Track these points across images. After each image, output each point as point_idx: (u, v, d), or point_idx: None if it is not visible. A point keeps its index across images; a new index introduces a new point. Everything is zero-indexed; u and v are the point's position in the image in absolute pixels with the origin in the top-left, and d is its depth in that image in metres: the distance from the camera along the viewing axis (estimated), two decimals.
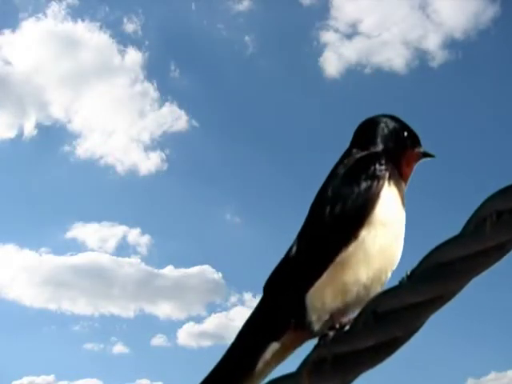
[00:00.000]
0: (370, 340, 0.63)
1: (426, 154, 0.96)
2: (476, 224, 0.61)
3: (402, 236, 0.82)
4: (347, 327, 0.65)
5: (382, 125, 0.92)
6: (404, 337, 0.63)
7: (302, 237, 0.79)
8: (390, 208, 0.82)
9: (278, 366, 0.75)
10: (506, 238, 0.60)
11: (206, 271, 9.50)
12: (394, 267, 0.80)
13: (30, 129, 9.65)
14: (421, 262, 0.63)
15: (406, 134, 0.93)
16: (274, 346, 0.74)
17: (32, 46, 9.99)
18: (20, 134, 9.54)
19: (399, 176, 0.87)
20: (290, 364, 0.64)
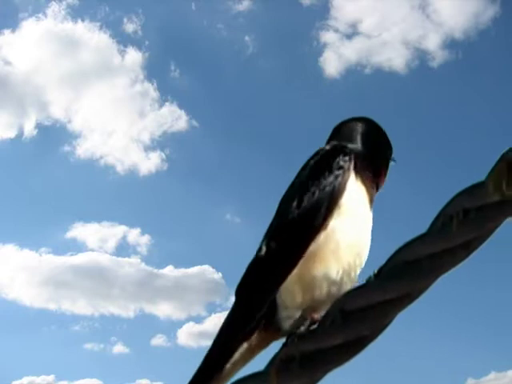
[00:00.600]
0: (338, 338, 0.62)
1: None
2: (443, 222, 0.61)
3: (369, 232, 0.81)
4: (315, 326, 0.65)
5: (355, 126, 0.92)
6: (371, 335, 0.62)
7: (270, 234, 0.79)
8: (356, 199, 0.81)
9: (246, 364, 0.75)
10: (472, 236, 0.60)
11: (206, 271, 9.51)
12: (363, 264, 0.79)
13: (29, 129, 9.66)
14: (388, 261, 0.63)
15: (377, 137, 0.93)
16: (244, 346, 0.73)
17: (32, 46, 10.00)
18: (20, 134, 9.56)
19: (367, 175, 0.86)
20: (258, 363, 0.64)
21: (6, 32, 9.75)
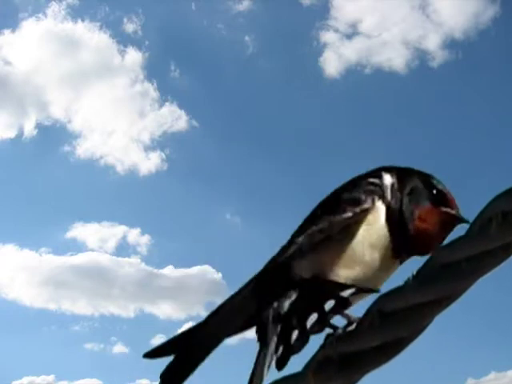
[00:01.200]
0: (376, 340, 0.63)
1: (459, 219, 0.75)
2: (481, 224, 0.61)
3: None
4: (353, 327, 0.66)
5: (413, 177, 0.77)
6: (409, 337, 0.63)
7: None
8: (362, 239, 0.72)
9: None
10: (511, 238, 0.60)
11: (206, 271, 9.51)
12: None
13: (29, 129, 9.66)
14: (426, 263, 0.63)
15: (435, 191, 0.75)
16: None
17: (32, 46, 10.00)
18: (20, 134, 9.55)
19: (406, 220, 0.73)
20: (296, 364, 0.64)
21: (6, 32, 9.76)
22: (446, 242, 0.63)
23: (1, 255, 9.78)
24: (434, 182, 0.75)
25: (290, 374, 0.67)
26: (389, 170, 0.75)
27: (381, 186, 0.73)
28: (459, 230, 0.62)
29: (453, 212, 0.74)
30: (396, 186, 0.73)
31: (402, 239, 0.72)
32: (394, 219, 0.72)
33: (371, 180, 0.73)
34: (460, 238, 0.62)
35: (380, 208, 0.72)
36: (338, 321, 0.69)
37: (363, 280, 0.73)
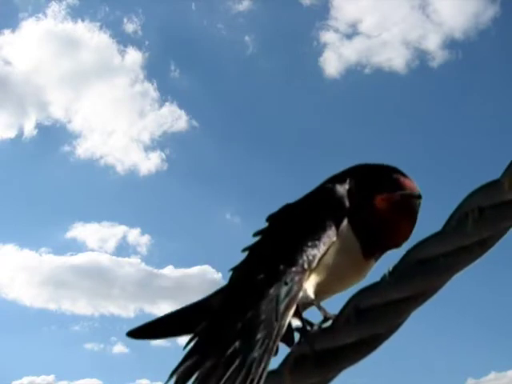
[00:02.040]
0: (352, 336, 0.62)
1: (411, 195, 0.73)
2: (458, 220, 0.61)
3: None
4: (328, 323, 0.65)
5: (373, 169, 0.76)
6: (386, 334, 0.62)
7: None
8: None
9: None
10: (487, 234, 0.60)
11: (206, 271, 9.51)
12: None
13: (29, 129, 9.67)
14: (403, 258, 0.63)
15: (388, 181, 0.74)
16: None
17: (32, 46, 10.02)
18: (20, 134, 9.56)
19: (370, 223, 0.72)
20: (272, 361, 0.64)
21: (6, 32, 9.77)
22: (422, 238, 0.62)
23: (1, 255, 9.79)
24: (389, 172, 0.75)
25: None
26: (343, 175, 0.75)
27: (337, 200, 0.72)
28: (436, 226, 0.62)
29: (404, 192, 0.72)
30: (352, 189, 0.73)
31: (370, 238, 0.71)
32: (357, 222, 0.71)
33: (326, 199, 0.73)
34: (436, 234, 0.62)
35: (342, 222, 0.71)
36: (315, 316, 0.68)
37: (339, 287, 0.73)
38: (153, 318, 0.80)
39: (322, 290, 0.69)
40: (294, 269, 0.64)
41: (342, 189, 0.72)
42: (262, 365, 0.58)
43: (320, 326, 0.65)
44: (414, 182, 0.74)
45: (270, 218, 0.74)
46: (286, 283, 0.63)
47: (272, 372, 0.65)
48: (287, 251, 0.66)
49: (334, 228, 0.69)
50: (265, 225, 0.74)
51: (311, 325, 0.67)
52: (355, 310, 0.63)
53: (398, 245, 0.72)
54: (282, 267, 0.64)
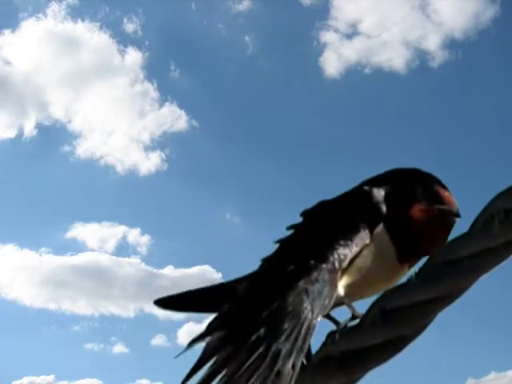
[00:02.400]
0: (378, 338, 0.63)
1: (451, 213, 0.74)
2: (484, 222, 0.61)
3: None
4: (354, 324, 0.65)
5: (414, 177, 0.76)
6: (411, 335, 0.63)
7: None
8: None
9: None
10: None
11: (206, 271, 9.50)
12: None
13: (29, 129, 9.68)
14: (429, 260, 0.63)
15: (428, 190, 0.74)
16: None
17: (32, 46, 10.02)
18: (20, 134, 9.57)
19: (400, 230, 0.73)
20: None
21: (6, 32, 9.77)
22: (448, 239, 0.63)
23: (1, 255, 9.79)
24: (428, 180, 0.75)
25: None
26: (380, 179, 0.75)
27: (373, 204, 0.73)
28: (462, 228, 0.62)
29: (444, 207, 0.74)
30: (389, 194, 0.74)
31: (405, 245, 0.72)
32: (394, 228, 0.72)
33: (362, 201, 0.73)
34: (462, 236, 0.62)
35: (377, 226, 0.72)
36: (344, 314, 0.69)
37: (369, 291, 0.74)
38: (183, 291, 0.79)
39: (351, 293, 0.70)
40: (324, 266, 0.65)
41: (379, 193, 0.73)
42: (292, 359, 0.58)
43: (346, 326, 0.66)
44: (452, 196, 0.75)
45: (305, 214, 0.74)
46: (318, 280, 0.64)
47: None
48: (319, 248, 0.67)
49: (368, 231, 0.69)
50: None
51: (337, 324, 0.68)
52: (381, 311, 0.63)
53: (427, 255, 0.73)
54: (312, 263, 0.65)
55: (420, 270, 0.63)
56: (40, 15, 9.97)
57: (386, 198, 0.73)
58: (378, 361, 0.63)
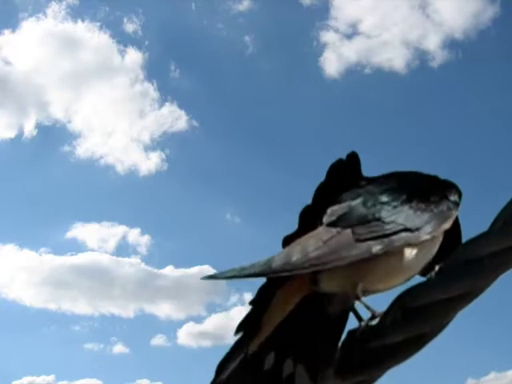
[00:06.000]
0: (398, 336, 0.63)
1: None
2: (504, 221, 0.61)
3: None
4: (375, 322, 0.66)
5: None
6: (432, 333, 0.63)
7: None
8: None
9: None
10: None
11: (206, 271, 9.50)
12: None
13: (30, 129, 9.68)
14: (449, 259, 0.63)
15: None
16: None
17: (32, 46, 10.03)
18: (20, 134, 9.58)
19: None
20: None
21: (6, 32, 9.78)
22: (469, 238, 0.63)
23: (1, 255, 9.79)
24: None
25: None
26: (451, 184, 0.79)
27: (454, 205, 0.77)
28: (483, 227, 0.62)
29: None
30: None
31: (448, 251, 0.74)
32: (450, 235, 0.76)
33: (447, 195, 0.77)
34: (483, 234, 0.62)
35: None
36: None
37: (388, 286, 0.74)
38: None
39: (366, 289, 0.70)
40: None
41: (457, 197, 0.78)
42: None
43: (367, 325, 0.66)
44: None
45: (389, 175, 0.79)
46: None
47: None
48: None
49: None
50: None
51: (360, 320, 0.68)
52: (402, 310, 0.63)
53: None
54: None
55: (440, 268, 0.63)
56: (40, 15, 9.99)
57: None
58: (398, 359, 0.64)
